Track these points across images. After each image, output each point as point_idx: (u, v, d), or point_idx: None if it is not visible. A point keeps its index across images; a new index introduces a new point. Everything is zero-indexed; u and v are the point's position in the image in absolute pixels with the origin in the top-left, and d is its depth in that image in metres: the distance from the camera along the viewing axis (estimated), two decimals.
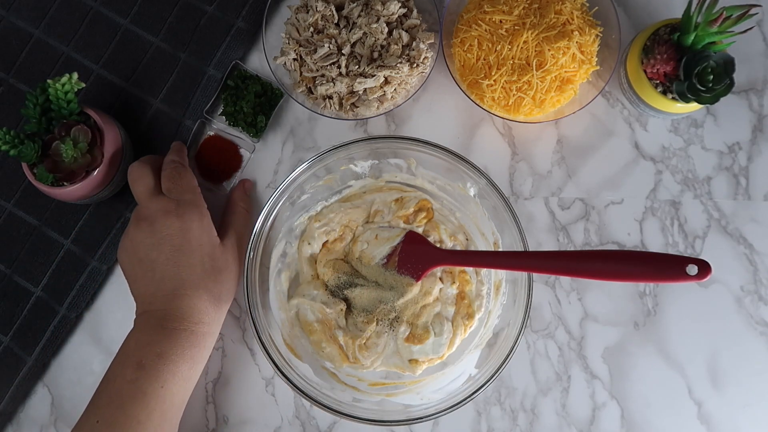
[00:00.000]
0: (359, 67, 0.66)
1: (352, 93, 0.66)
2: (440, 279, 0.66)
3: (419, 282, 0.64)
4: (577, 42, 0.64)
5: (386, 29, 0.65)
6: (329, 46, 0.65)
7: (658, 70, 0.62)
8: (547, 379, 0.66)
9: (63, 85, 0.60)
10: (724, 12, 0.57)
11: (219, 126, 0.69)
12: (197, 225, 0.60)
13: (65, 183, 0.62)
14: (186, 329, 0.58)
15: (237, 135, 0.69)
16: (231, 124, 0.69)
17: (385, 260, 0.65)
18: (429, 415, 0.60)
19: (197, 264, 0.59)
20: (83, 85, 0.62)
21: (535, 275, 0.62)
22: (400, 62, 0.65)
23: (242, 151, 0.69)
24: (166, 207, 0.60)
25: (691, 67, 0.60)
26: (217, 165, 0.69)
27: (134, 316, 0.60)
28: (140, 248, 0.59)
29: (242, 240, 0.64)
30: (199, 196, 0.62)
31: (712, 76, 0.59)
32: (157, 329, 0.57)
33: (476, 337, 0.65)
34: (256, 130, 0.68)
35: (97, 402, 0.56)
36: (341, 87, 0.66)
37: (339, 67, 0.66)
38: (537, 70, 0.64)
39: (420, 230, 0.67)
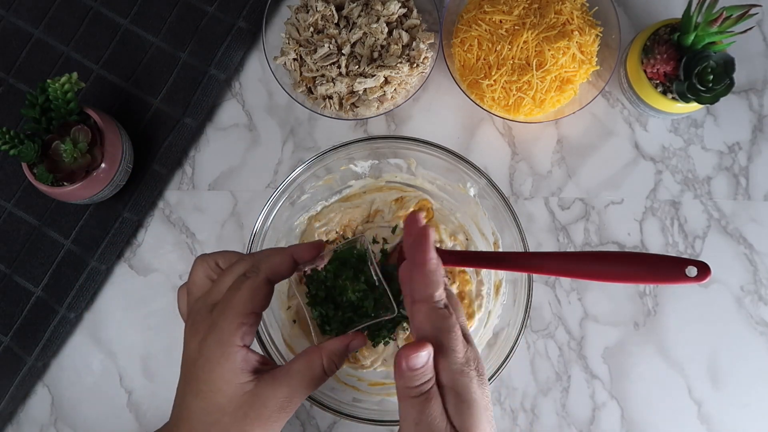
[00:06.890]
0: (359, 67, 0.65)
1: (352, 93, 0.66)
2: None
3: None
4: (577, 42, 0.64)
5: (386, 29, 0.65)
6: (329, 46, 0.65)
7: (658, 70, 0.62)
8: (547, 379, 0.66)
9: (63, 85, 0.60)
10: (724, 12, 0.57)
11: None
12: None
13: (65, 183, 0.62)
14: None
15: None
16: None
17: (385, 260, 0.65)
18: None
19: None
20: (83, 85, 0.62)
21: (535, 275, 0.62)
22: (400, 62, 0.65)
23: None
24: None
25: (691, 67, 0.60)
26: None
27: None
28: None
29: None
30: None
31: (712, 76, 0.59)
32: None
33: (476, 337, 0.65)
34: None
35: None
36: (341, 87, 0.66)
37: (339, 67, 0.66)
38: (537, 70, 0.63)
39: None
